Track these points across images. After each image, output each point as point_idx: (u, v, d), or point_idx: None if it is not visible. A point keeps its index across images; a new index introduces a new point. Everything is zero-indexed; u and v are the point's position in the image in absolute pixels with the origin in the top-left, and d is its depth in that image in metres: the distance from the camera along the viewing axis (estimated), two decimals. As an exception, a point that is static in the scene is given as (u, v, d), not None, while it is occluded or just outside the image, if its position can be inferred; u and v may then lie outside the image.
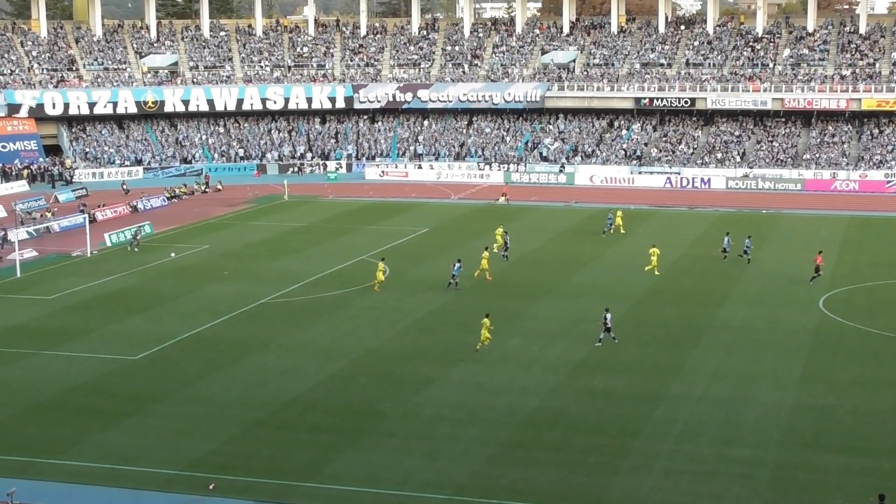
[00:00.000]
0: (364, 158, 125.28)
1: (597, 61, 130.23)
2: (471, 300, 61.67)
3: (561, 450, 39.20)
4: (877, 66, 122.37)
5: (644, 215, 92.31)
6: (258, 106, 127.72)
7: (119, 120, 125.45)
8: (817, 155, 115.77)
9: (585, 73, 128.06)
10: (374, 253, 75.28)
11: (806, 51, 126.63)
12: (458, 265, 64.73)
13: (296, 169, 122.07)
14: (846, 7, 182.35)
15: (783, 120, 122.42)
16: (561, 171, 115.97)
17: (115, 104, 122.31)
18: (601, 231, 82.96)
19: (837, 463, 37.74)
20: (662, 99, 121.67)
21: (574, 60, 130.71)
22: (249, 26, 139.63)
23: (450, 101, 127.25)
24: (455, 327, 55.88)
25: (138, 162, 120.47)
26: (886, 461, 37.75)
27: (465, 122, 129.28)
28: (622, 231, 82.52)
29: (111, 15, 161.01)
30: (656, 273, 67.94)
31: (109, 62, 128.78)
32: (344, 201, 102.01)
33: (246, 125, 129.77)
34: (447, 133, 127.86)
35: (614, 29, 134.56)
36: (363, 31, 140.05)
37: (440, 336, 54.47)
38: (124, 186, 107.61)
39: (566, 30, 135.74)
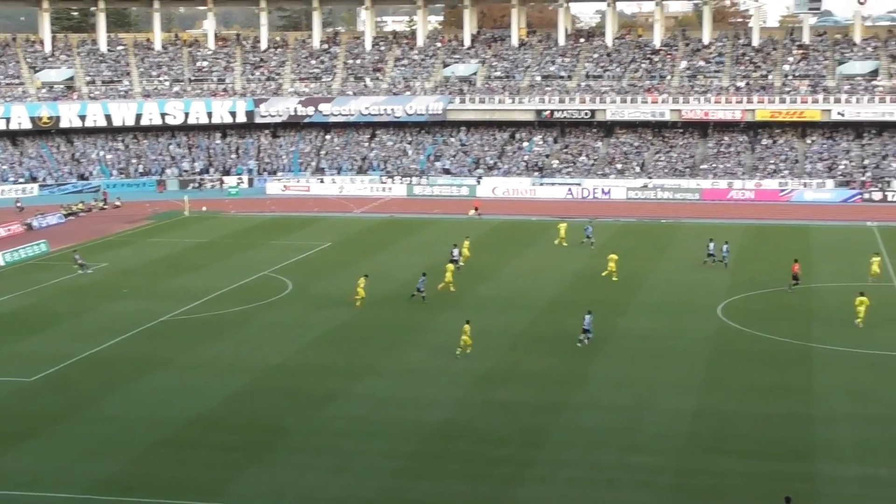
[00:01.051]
0: (266, 173, 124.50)
1: (498, 74, 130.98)
2: (374, 314, 61.55)
3: (467, 461, 39.25)
4: (770, 77, 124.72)
5: (546, 227, 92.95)
6: (157, 121, 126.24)
7: (12, 136, 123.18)
8: (714, 165, 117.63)
9: (487, 85, 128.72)
10: (276, 268, 74.84)
11: (702, 63, 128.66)
12: (422, 279, 64.57)
13: (196, 184, 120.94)
14: (740, 20, 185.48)
15: (681, 131, 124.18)
16: (478, 181, 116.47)
17: (7, 120, 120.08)
18: (510, 243, 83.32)
19: (738, 467, 38.28)
20: (563, 111, 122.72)
21: (475, 73, 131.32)
22: (148, 40, 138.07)
23: (352, 115, 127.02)
24: (359, 342, 55.72)
25: (33, 179, 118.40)
26: (785, 464, 38.38)
27: (368, 136, 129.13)
28: (564, 244, 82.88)
29: (3, 28, 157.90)
30: (614, 279, 69.21)
31: (1, 77, 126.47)
32: (246, 216, 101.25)
33: (145, 141, 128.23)
34: (349, 147, 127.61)
35: (515, 42, 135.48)
36: (264, 45, 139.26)
37: (344, 351, 54.24)
38: (18, 204, 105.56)
39: (467, 43, 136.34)
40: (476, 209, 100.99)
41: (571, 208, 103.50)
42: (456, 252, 73.01)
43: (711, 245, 75.41)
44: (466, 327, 52.48)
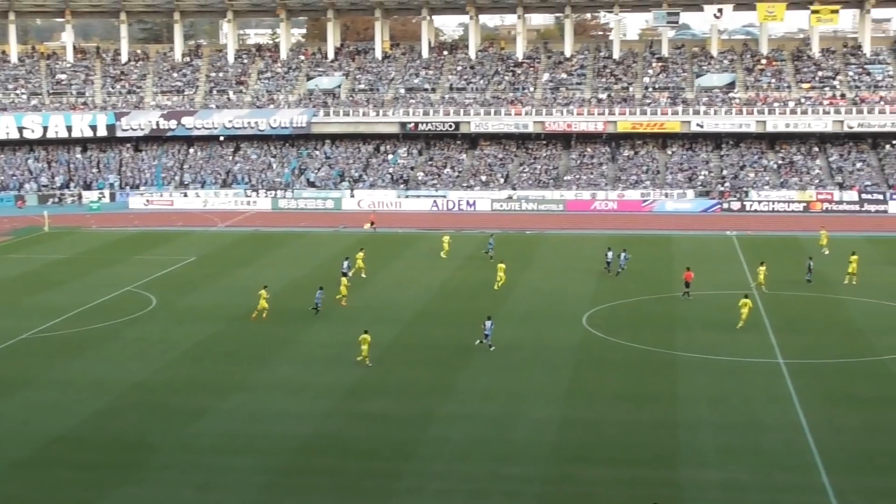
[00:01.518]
0: (128, 187, 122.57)
1: (362, 86, 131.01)
2: (241, 329, 61.05)
3: (335, 475, 39.15)
4: (630, 89, 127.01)
5: (412, 239, 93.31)
6: (15, 135, 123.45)
7: None
8: (577, 176, 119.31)
9: (351, 98, 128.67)
10: (140, 284, 73.75)
11: (564, 75, 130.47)
12: (319, 292, 64.42)
13: (56, 199, 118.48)
14: (601, 34, 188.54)
15: (544, 142, 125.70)
16: (352, 194, 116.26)
17: None
18: (376, 255, 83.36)
19: (604, 475, 38.86)
20: (427, 123, 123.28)
21: (339, 86, 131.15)
22: (3, 52, 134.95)
23: (215, 128, 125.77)
24: (226, 357, 55.20)
25: None
26: (650, 471, 39.08)
27: (232, 149, 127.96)
28: (444, 256, 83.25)
29: None
30: (496, 288, 70.23)
31: None
32: (108, 231, 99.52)
33: (2, 155, 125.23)
34: (213, 160, 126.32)
35: (378, 54, 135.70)
36: (124, 58, 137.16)
37: (211, 366, 53.68)
38: None
39: (331, 55, 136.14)
40: (372, 223, 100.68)
41: (444, 220, 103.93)
42: (346, 265, 73.34)
43: (609, 254, 76.93)
44: (366, 337, 52.79)
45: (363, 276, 74.67)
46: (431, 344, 57.03)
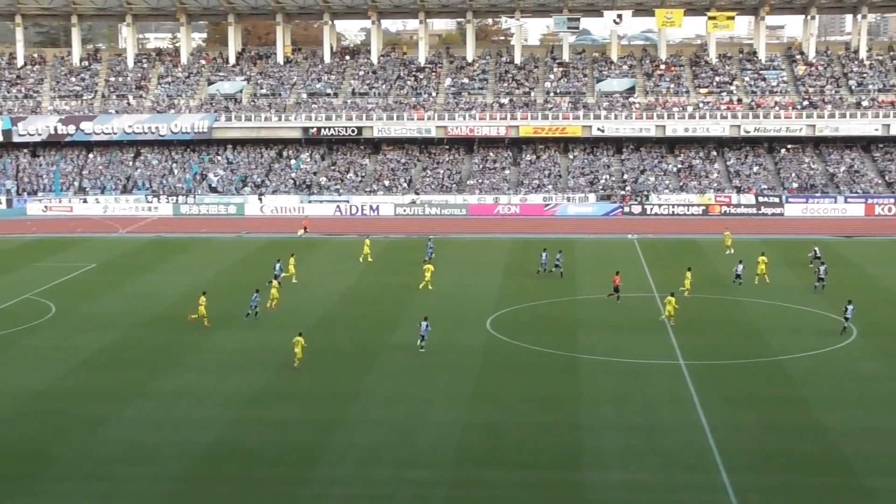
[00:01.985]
0: (25, 194, 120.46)
1: (264, 91, 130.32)
2: (144, 336, 60.32)
3: (240, 482, 38.87)
4: (532, 94, 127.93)
5: (315, 244, 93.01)
6: None
7: None
8: (480, 180, 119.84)
9: (253, 103, 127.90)
10: (38, 291, 72.51)
11: (466, 80, 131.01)
12: (255, 295, 64.33)
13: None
14: (502, 39, 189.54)
15: (447, 147, 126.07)
16: (261, 199, 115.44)
17: None
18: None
19: (509, 477, 39.07)
20: (330, 128, 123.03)
21: (241, 91, 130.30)
22: None
23: (115, 133, 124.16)
24: (128, 364, 54.48)
25: None
26: (554, 473, 39.38)
27: (132, 155, 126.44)
28: (370, 259, 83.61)
29: None
30: (430, 288, 71.51)
31: None
32: (4, 239, 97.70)
33: None
34: (113, 166, 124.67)
35: (280, 59, 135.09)
36: (20, 62, 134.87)
37: (113, 374, 52.92)
38: None
39: (232, 60, 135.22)
40: (305, 228, 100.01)
41: (359, 225, 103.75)
42: (278, 267, 73.93)
43: (544, 255, 78.02)
44: (299, 339, 53.18)
45: (294, 280, 74.91)
46: (335, 349, 56.90)
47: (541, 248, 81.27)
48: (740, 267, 74.33)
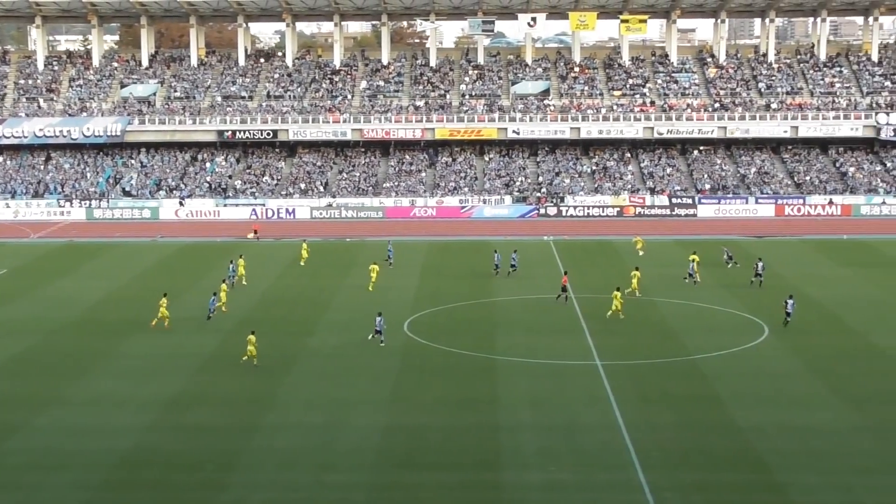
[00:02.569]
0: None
1: (178, 94, 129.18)
2: (58, 342, 59.52)
3: (158, 489, 38.53)
4: (447, 97, 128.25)
5: (231, 248, 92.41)
6: None
7: None
8: (396, 183, 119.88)
9: (167, 106, 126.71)
10: (-52, 298, 71.28)
11: (382, 83, 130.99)
12: (213, 298, 64.74)
13: None
14: (417, 41, 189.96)
15: (363, 150, 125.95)
16: (182, 203, 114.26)
17: None
18: (196, 265, 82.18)
19: (430, 480, 39.18)
20: (245, 131, 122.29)
21: (154, 94, 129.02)
22: None
23: (25, 137, 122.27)
24: (41, 371, 53.72)
25: None
26: (473, 474, 39.56)
27: (43, 158, 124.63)
28: (301, 263, 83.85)
29: None
30: (370, 289, 72.19)
31: None
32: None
33: None
34: (24, 170, 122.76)
35: (194, 62, 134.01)
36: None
37: (25, 381, 52.13)
38: None
39: (145, 62, 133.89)
40: (255, 232, 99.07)
41: (287, 229, 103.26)
42: (232, 269, 75.21)
43: (497, 256, 78.98)
44: (251, 338, 53.75)
45: (244, 283, 75.36)
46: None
47: (492, 249, 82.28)
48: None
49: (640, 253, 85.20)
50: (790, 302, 62.09)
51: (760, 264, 74.35)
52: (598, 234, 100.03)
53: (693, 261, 76.04)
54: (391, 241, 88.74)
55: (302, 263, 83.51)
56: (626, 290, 68.58)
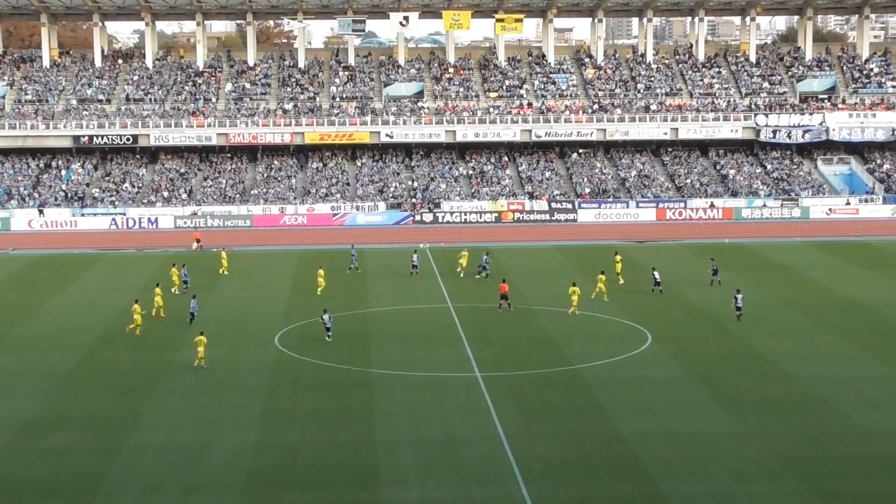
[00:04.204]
0: None
1: (29, 97, 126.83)
2: None
3: (13, 517, 37.83)
4: (317, 99, 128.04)
5: (89, 260, 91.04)
6: None
7: None
8: (265, 190, 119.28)
9: (17, 109, 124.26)
10: None
11: (248, 85, 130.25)
12: (193, 301, 66.83)
13: None
14: (285, 41, 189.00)
15: (229, 155, 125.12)
16: (41, 213, 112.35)
17: None
18: (50, 278, 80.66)
19: (303, 499, 39.02)
20: (103, 136, 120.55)
21: (4, 96, 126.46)
22: None
23: None
24: None
25: None
26: (349, 492, 39.51)
27: None
28: (226, 273, 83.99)
29: None
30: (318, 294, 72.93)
31: None
32: None
33: None
34: None
35: (46, 63, 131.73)
36: None
37: None
38: None
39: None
40: (198, 241, 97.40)
41: (112, 240, 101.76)
42: (185, 273, 76.78)
43: (415, 257, 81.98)
44: (202, 339, 55.46)
45: (174, 291, 75.38)
46: (115, 370, 55.83)
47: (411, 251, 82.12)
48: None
49: (460, 270, 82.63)
50: (739, 297, 65.63)
51: (714, 266, 78.47)
52: (475, 241, 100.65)
53: (618, 261, 79.27)
54: (354, 245, 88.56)
55: (222, 271, 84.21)
56: (592, 296, 70.24)
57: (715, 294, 74.09)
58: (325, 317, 61.55)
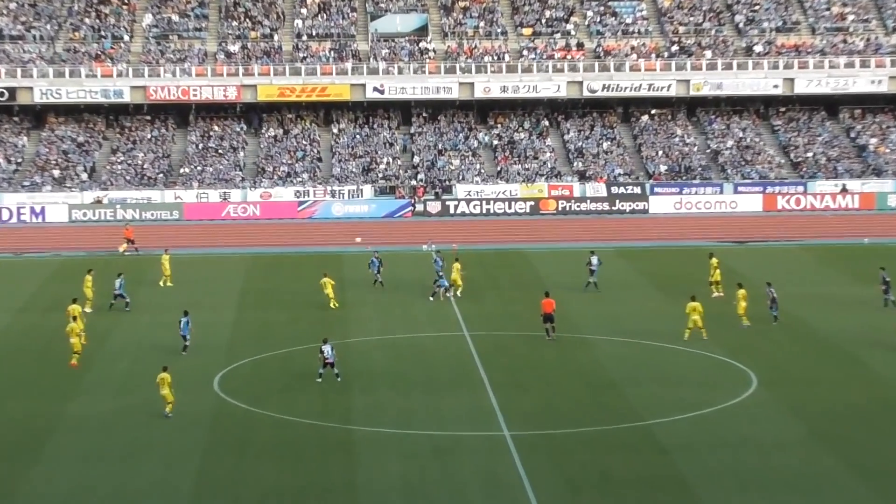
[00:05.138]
0: None
1: None
2: None
3: None
4: (275, 38, 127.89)
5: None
6: None
7: None
8: (200, 168, 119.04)
9: None
10: None
11: (176, 17, 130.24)
12: (185, 320, 67.96)
13: None
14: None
15: (149, 118, 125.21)
16: None
17: None
18: None
19: None
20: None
21: None
22: None
23: None
24: None
25: None
26: None
27: None
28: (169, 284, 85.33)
29: None
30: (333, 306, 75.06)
31: None
32: None
33: None
34: None
35: None
36: None
37: None
38: None
39: None
40: (129, 241, 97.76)
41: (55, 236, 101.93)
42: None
43: (375, 262, 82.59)
44: (165, 376, 56.32)
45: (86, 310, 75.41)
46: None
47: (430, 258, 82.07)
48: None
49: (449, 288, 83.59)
50: (771, 290, 69.67)
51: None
52: (502, 242, 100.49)
53: (714, 264, 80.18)
54: (376, 250, 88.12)
55: (162, 284, 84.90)
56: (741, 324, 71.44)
57: (848, 319, 73.70)
58: (327, 348, 61.32)
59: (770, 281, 75.90)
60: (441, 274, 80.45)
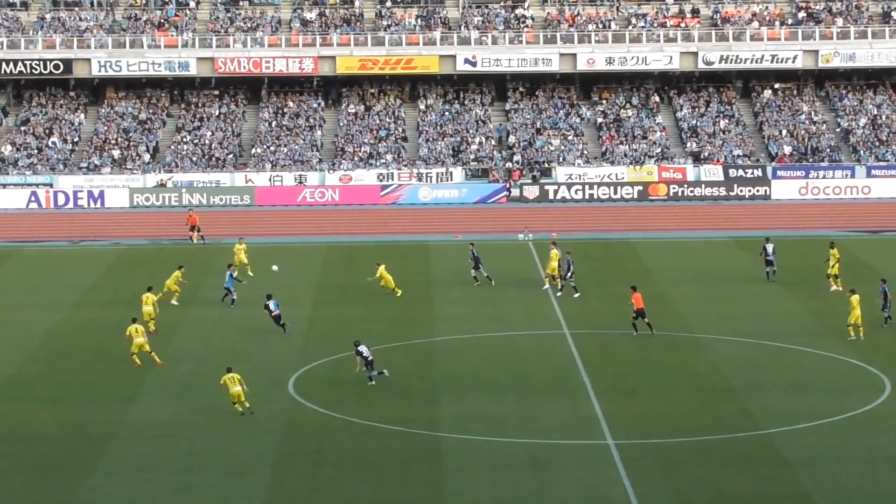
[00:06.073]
0: None
1: None
2: None
3: None
4: (356, 5, 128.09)
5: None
6: None
7: None
8: (273, 149, 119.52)
9: None
10: None
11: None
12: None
13: None
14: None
15: (216, 94, 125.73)
16: None
17: None
18: None
19: None
20: (17, 62, 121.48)
21: None
22: None
23: None
24: None
25: None
26: None
27: None
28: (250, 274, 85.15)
29: None
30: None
31: None
32: None
33: None
34: None
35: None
36: None
37: None
38: None
39: None
40: (194, 228, 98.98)
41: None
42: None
43: (473, 254, 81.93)
44: (235, 376, 57.46)
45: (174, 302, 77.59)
46: (33, 436, 56.03)
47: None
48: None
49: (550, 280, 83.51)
50: (885, 287, 69.47)
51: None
52: (607, 231, 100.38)
53: (833, 256, 79.41)
54: (473, 244, 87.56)
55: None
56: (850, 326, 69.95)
57: None
58: (362, 349, 61.64)
59: (885, 277, 74.98)
60: (572, 268, 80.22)
